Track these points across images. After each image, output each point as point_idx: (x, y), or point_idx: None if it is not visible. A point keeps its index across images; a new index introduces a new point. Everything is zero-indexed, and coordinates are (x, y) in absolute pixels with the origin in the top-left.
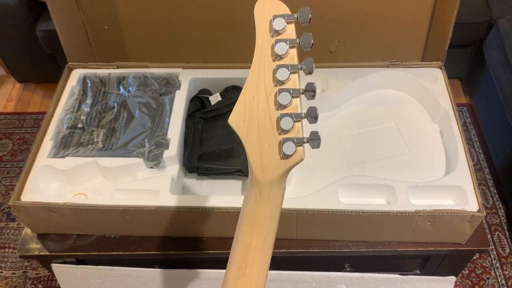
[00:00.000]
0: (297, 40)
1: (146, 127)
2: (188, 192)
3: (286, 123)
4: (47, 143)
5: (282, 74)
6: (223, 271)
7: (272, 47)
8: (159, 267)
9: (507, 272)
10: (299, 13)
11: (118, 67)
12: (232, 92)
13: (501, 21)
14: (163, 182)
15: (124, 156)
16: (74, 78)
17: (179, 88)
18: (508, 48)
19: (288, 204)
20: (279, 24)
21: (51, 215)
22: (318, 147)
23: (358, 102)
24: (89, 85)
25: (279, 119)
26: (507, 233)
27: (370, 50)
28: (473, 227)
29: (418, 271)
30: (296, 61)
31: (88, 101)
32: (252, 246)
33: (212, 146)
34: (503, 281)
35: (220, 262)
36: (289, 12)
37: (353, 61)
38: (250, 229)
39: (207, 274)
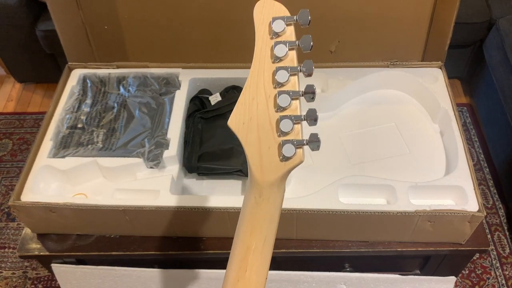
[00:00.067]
0: (297, 42)
1: (146, 127)
2: (188, 192)
3: (285, 125)
4: (47, 143)
5: (282, 76)
6: (223, 271)
7: (272, 49)
8: (159, 267)
9: (507, 272)
10: (299, 15)
11: (118, 67)
12: (232, 92)
13: (501, 21)
14: (163, 182)
15: (124, 156)
16: (74, 78)
17: (179, 88)
18: (508, 48)
19: (288, 204)
20: (278, 26)
21: (51, 215)
22: (318, 149)
23: (358, 102)
24: (89, 85)
25: (278, 121)
26: (507, 233)
27: (370, 50)
28: (473, 227)
29: (418, 271)
30: (295, 63)
31: (88, 101)
32: (252, 248)
33: (212, 146)
34: (503, 281)
35: (220, 262)
36: (289, 14)
37: (353, 61)
38: (250, 231)
39: (207, 274)
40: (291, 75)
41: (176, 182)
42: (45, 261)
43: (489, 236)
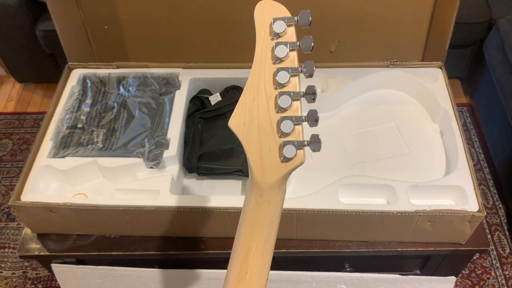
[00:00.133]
0: (298, 43)
1: (146, 127)
2: (188, 192)
3: (286, 126)
4: (47, 143)
5: (283, 77)
6: (223, 271)
7: (273, 49)
8: (159, 267)
9: (507, 272)
10: (300, 16)
11: (118, 67)
12: (232, 92)
13: (501, 21)
14: (163, 182)
15: (124, 156)
16: (74, 78)
17: (179, 88)
18: (508, 48)
19: (288, 204)
20: (279, 27)
21: (51, 215)
22: (319, 150)
23: (358, 102)
24: (89, 85)
25: (279, 122)
26: (507, 233)
27: (370, 50)
28: (473, 227)
29: (418, 271)
30: (296, 64)
31: (88, 101)
32: (253, 250)
33: (212, 146)
34: (503, 281)
35: (220, 262)
36: (289, 15)
37: (353, 61)
38: (251, 232)
39: (207, 274)
40: (292, 76)
41: (176, 182)
42: (45, 261)
43: (489, 236)
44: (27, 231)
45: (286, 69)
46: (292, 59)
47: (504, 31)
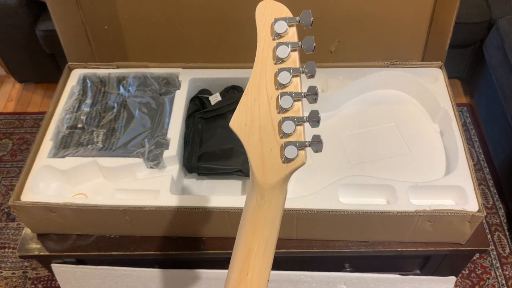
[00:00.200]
0: (299, 43)
1: (146, 127)
2: (188, 192)
3: (288, 126)
4: (47, 143)
5: (284, 77)
6: (223, 271)
7: (274, 50)
8: (159, 267)
9: (507, 272)
10: (301, 16)
11: (118, 67)
12: (232, 92)
13: (501, 21)
14: (163, 182)
15: (124, 156)
16: (74, 78)
17: (179, 88)
18: (508, 48)
19: (288, 204)
20: (280, 27)
21: (51, 215)
22: (321, 151)
23: (358, 102)
24: (89, 85)
25: (280, 123)
26: (507, 233)
27: (370, 50)
28: (473, 227)
29: (418, 271)
30: (298, 65)
31: (88, 101)
32: (254, 250)
33: (212, 146)
34: (503, 281)
35: (220, 262)
36: (291, 15)
37: (353, 61)
38: (252, 233)
39: (207, 274)
40: (293, 76)
41: (176, 182)
42: (45, 261)
43: (489, 236)
44: (27, 231)
45: (287, 69)
46: (294, 59)
47: (504, 31)
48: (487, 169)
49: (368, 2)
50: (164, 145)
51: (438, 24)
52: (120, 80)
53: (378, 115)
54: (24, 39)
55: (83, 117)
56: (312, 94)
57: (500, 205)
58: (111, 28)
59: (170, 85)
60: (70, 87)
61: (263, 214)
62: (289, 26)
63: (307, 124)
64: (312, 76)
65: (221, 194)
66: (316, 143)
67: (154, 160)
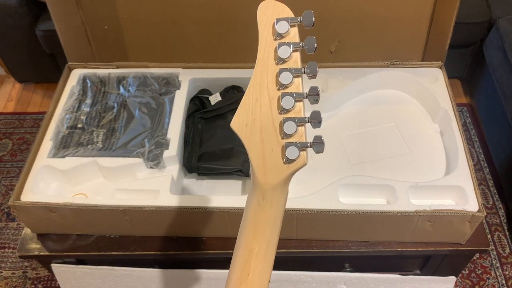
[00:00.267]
0: (301, 44)
1: (146, 127)
2: (188, 192)
3: (289, 127)
4: (47, 143)
5: (285, 78)
6: (223, 271)
7: (275, 50)
8: (159, 267)
9: (507, 272)
10: (303, 16)
11: (118, 67)
12: (232, 92)
13: (501, 21)
14: (163, 182)
15: (124, 156)
16: (74, 78)
17: (179, 88)
18: (508, 48)
19: (288, 204)
20: (282, 27)
21: (51, 215)
22: (322, 151)
23: (358, 102)
24: (89, 85)
25: (282, 123)
26: (507, 233)
27: (370, 50)
28: (473, 227)
29: (418, 271)
30: (299, 65)
31: (88, 101)
32: (255, 251)
33: (212, 146)
34: (503, 281)
35: (220, 262)
36: (292, 15)
37: (353, 61)
38: (253, 234)
39: (207, 274)
40: (294, 77)
41: (176, 182)
42: (45, 261)
43: (489, 236)
44: (27, 231)
45: (289, 70)
46: (295, 60)
47: (504, 31)
48: (487, 169)
49: (368, 2)
50: (164, 145)
51: (438, 24)
52: (120, 80)
53: (378, 115)
54: (24, 39)
55: (83, 117)
56: (313, 95)
57: (500, 205)
58: (111, 28)
59: (170, 85)
60: (70, 87)
61: (264, 215)
62: (291, 26)
63: (307, 125)
64: (313, 76)
65: (221, 194)
66: (318, 144)
67: (154, 160)
